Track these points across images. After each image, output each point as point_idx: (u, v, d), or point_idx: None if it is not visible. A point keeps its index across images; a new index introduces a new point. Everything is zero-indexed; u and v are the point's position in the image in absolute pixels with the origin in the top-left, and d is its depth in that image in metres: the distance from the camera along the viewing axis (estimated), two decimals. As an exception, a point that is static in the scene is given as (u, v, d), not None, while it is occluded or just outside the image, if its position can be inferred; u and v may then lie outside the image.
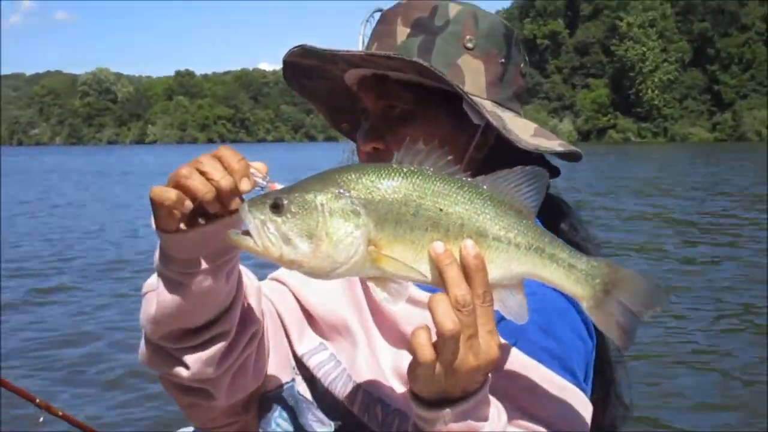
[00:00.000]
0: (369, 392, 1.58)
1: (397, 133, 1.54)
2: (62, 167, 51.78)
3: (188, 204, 1.25)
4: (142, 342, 1.51)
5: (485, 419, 1.25)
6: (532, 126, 1.59)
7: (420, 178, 1.18)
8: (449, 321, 1.13)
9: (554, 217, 1.70)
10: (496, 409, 1.29)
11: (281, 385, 1.69)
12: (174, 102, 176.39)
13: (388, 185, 1.17)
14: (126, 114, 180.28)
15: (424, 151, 1.19)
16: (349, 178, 1.18)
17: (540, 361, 1.43)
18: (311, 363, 1.67)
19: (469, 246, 1.17)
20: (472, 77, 1.57)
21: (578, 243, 1.60)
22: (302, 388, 1.68)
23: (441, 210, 1.18)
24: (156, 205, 1.27)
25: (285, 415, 1.68)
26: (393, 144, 1.55)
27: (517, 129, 1.54)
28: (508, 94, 1.63)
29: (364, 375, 1.59)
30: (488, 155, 1.63)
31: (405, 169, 1.19)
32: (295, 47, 1.58)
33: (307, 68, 1.66)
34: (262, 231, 1.16)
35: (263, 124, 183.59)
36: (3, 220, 18.79)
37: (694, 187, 25.17)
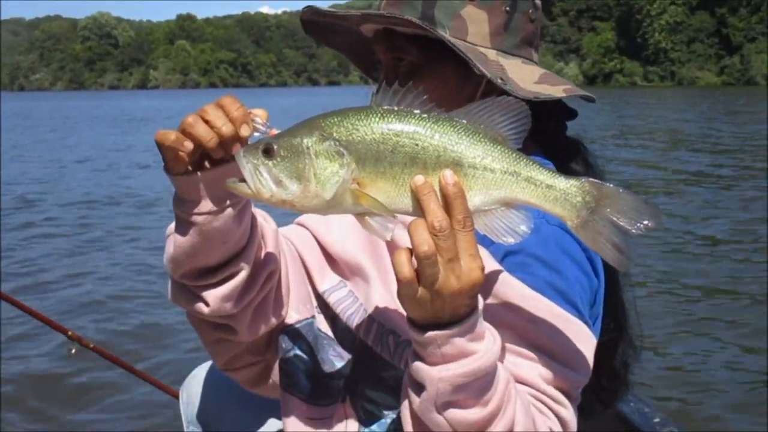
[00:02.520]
0: (382, 324, 1.67)
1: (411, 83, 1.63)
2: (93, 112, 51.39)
3: (188, 144, 1.36)
4: (169, 281, 1.61)
5: (478, 343, 1.29)
6: (538, 72, 1.62)
7: (396, 116, 1.25)
8: (425, 244, 1.19)
9: (568, 157, 1.74)
10: (491, 334, 1.33)
11: (300, 321, 1.77)
12: (176, 46, 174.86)
13: (367, 126, 1.25)
14: (127, 59, 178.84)
15: (401, 92, 1.25)
16: (333, 121, 1.26)
17: (543, 293, 1.47)
18: (331, 299, 1.76)
19: (448, 175, 1.23)
20: (476, 27, 1.61)
21: None
22: (323, 326, 1.77)
23: (417, 145, 1.24)
24: (160, 147, 1.39)
25: (303, 349, 1.76)
26: None
27: (518, 77, 1.57)
28: (515, 41, 1.65)
29: (378, 308, 1.68)
30: None
31: (382, 110, 1.25)
32: (305, 8, 1.69)
33: (324, 24, 1.75)
34: (255, 175, 1.24)
35: (265, 69, 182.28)
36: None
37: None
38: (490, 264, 1.47)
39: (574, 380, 1.47)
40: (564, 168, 1.70)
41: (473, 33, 1.60)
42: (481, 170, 1.26)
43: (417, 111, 1.25)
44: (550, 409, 1.43)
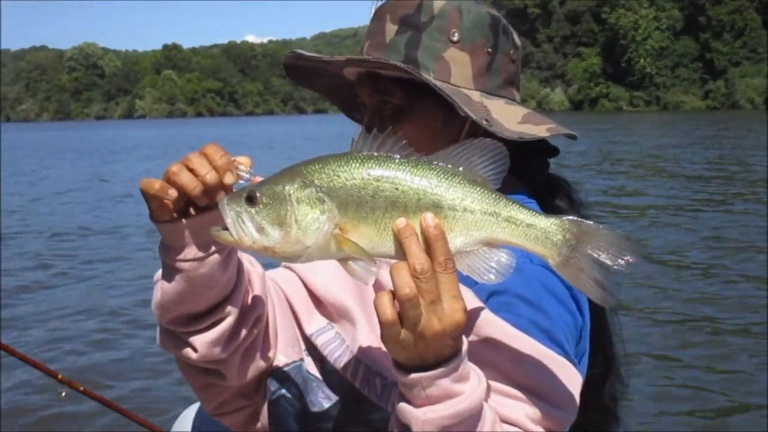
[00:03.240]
0: (369, 366, 1.67)
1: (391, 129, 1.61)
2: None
3: (172, 193, 1.36)
4: (157, 327, 1.62)
5: (463, 384, 1.29)
6: (521, 112, 1.64)
7: (376, 162, 1.27)
8: (406, 287, 1.21)
9: (551, 195, 1.77)
10: (476, 375, 1.33)
11: (288, 364, 1.76)
12: (162, 76, 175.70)
13: (348, 172, 1.27)
14: (114, 89, 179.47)
15: (380, 137, 1.27)
16: (314, 168, 1.28)
17: (527, 332, 1.47)
18: (319, 342, 1.76)
19: (429, 218, 1.24)
20: (459, 69, 1.63)
21: None
22: (312, 368, 1.77)
23: (397, 189, 1.26)
24: (145, 195, 1.39)
25: (292, 392, 1.75)
26: None
27: (502, 117, 1.59)
28: (498, 81, 1.67)
29: (364, 351, 1.68)
30: None
31: (362, 156, 1.27)
32: (289, 53, 1.72)
33: (308, 68, 1.77)
34: (237, 222, 1.26)
35: (252, 97, 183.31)
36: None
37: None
38: (475, 304, 1.48)
39: (561, 419, 1.47)
40: (548, 205, 1.72)
41: (456, 75, 1.62)
42: (461, 212, 1.27)
43: (396, 156, 1.27)
44: None
